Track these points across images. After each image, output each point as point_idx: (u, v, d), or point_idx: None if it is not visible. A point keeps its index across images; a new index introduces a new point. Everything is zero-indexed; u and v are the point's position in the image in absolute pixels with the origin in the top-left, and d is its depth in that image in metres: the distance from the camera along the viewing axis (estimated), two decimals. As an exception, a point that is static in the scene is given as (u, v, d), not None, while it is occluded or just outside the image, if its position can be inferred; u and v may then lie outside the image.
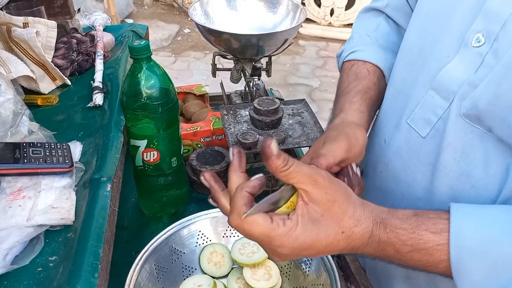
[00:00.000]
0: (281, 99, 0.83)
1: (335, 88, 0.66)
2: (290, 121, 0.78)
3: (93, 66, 0.81)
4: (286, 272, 0.65)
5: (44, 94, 0.68)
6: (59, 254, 0.41)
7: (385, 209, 0.43)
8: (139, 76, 0.61)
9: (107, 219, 0.43)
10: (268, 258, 0.63)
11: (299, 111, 0.81)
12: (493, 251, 0.38)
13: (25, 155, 0.49)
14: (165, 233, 0.65)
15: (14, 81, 0.61)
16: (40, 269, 0.40)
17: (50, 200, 0.45)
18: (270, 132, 0.74)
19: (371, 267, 0.66)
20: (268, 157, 0.37)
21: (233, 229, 0.68)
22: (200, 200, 0.82)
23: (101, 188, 0.47)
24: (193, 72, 3.19)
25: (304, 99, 0.83)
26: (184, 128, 0.87)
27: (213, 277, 0.64)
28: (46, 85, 0.71)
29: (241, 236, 0.69)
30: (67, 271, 0.38)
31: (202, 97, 1.02)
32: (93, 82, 0.72)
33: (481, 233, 0.39)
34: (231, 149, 0.42)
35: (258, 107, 0.74)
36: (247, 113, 0.79)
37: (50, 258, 0.41)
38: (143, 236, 0.63)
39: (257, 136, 0.72)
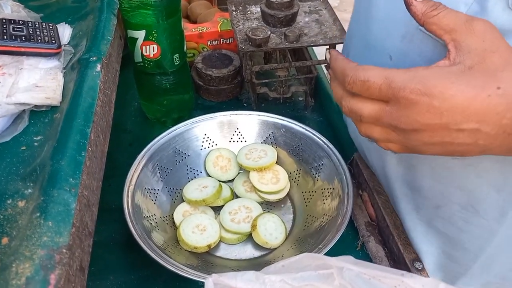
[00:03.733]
0: (296, -5, 0.74)
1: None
2: (306, 19, 0.70)
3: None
4: (295, 178, 0.61)
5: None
6: (45, 134, 0.37)
7: None
8: (133, -49, 0.53)
9: (97, 100, 0.39)
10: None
11: (316, 8, 0.73)
12: None
13: (5, 31, 0.44)
14: (167, 134, 0.61)
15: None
16: (24, 147, 0.36)
17: (34, 80, 0.40)
18: (283, 30, 0.67)
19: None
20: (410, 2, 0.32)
21: (238, 133, 0.64)
22: (206, 107, 0.77)
23: (90, 68, 0.41)
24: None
25: (322, -5, 0.74)
26: (189, 28, 0.79)
27: (219, 181, 0.61)
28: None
29: (248, 142, 0.65)
30: (51, 148, 0.34)
31: (209, -2, 0.92)
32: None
33: None
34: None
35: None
36: (258, 9, 0.71)
37: (35, 138, 0.37)
38: (147, 140, 0.59)
39: (268, 32, 0.65)
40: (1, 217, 0.30)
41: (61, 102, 0.40)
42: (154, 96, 0.69)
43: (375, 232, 0.55)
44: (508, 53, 0.30)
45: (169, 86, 0.67)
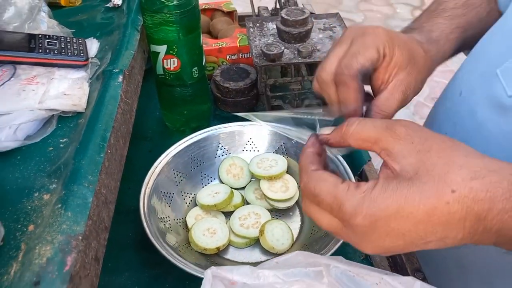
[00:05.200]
0: (312, 13, 0.77)
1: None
2: (320, 36, 0.73)
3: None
4: (305, 187, 0.63)
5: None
6: (69, 137, 0.41)
7: None
8: (158, -25, 0.57)
9: (118, 108, 0.43)
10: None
11: (331, 25, 0.76)
12: None
13: (40, 45, 0.49)
14: (184, 142, 0.65)
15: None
16: (51, 148, 0.40)
17: (63, 88, 0.45)
18: (297, 46, 0.70)
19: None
20: (325, 141, 0.32)
21: (251, 143, 0.67)
22: (223, 118, 0.81)
23: (112, 79, 0.46)
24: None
25: (337, 13, 0.77)
26: (209, 43, 0.84)
27: (231, 188, 0.64)
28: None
29: (260, 151, 0.68)
30: (74, 149, 0.38)
31: (230, 14, 0.97)
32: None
33: None
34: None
35: (286, 17, 0.69)
36: (274, 26, 0.75)
37: (61, 140, 0.41)
38: (166, 147, 0.63)
39: (282, 47, 0.68)
40: (29, 207, 0.34)
41: (85, 109, 0.44)
42: (174, 106, 0.73)
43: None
44: (443, 148, 0.28)
45: (188, 97, 0.71)
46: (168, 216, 0.58)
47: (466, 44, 0.46)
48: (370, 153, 0.42)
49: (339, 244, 0.49)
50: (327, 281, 0.31)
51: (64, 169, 0.36)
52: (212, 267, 0.33)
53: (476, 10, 0.46)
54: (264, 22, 0.76)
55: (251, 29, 0.75)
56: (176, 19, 0.60)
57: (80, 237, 0.30)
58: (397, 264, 0.54)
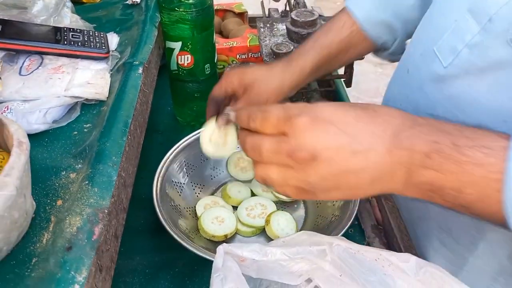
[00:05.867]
0: (321, 15, 0.80)
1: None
2: (328, 37, 0.76)
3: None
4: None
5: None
6: (93, 123, 0.44)
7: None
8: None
9: (138, 96, 0.46)
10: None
11: (338, 28, 0.78)
12: None
13: (65, 37, 0.52)
14: (195, 135, 0.67)
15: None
16: (76, 132, 0.43)
17: (87, 78, 0.48)
18: (305, 46, 0.73)
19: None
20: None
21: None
22: (232, 114, 0.84)
23: (133, 70, 0.49)
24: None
25: (345, 16, 0.80)
26: (221, 42, 0.87)
27: (238, 180, 0.67)
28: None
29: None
30: (98, 133, 0.41)
31: (241, 15, 1.00)
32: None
33: None
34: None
35: (296, 18, 0.72)
36: (284, 26, 0.78)
37: (84, 125, 0.44)
38: (177, 140, 0.66)
39: (291, 47, 0.71)
40: (57, 185, 0.37)
41: (107, 98, 0.47)
42: (185, 101, 0.76)
43: (380, 234, 0.59)
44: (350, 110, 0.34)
45: (200, 93, 0.74)
46: (179, 204, 0.61)
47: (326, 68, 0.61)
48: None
49: (342, 233, 0.52)
50: (330, 259, 0.33)
51: (89, 151, 0.39)
52: (224, 244, 0.36)
53: (327, 50, 0.58)
54: (274, 23, 0.79)
55: (262, 29, 0.78)
56: (191, 17, 0.63)
57: (106, 211, 0.33)
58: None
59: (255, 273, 0.35)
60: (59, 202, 0.35)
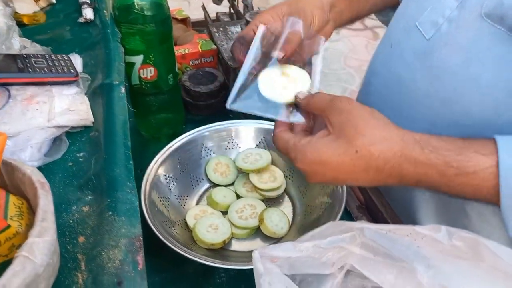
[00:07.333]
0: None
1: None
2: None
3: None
4: (289, 175, 0.69)
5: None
6: (86, 151, 0.42)
7: (419, 133, 0.41)
8: (131, -13, 0.59)
9: (128, 119, 0.44)
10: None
11: (288, 25, 0.81)
12: None
13: (28, 65, 0.48)
14: (169, 148, 0.66)
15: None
16: (71, 163, 0.41)
17: (66, 104, 0.45)
18: (262, 46, 0.75)
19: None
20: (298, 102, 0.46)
21: (232, 141, 0.71)
22: (196, 121, 0.83)
23: (114, 90, 0.47)
24: None
25: (292, 13, 0.83)
26: (173, 50, 0.85)
27: (220, 185, 0.67)
28: (29, 7, 0.67)
29: (242, 148, 0.72)
30: (100, 161, 0.39)
31: (183, 21, 0.99)
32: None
33: None
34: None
35: (250, 19, 0.73)
36: (238, 29, 0.79)
37: (78, 155, 0.42)
38: (145, 156, 0.64)
39: (251, 48, 0.72)
40: (71, 221, 0.35)
41: (93, 123, 0.45)
42: (149, 114, 0.74)
43: (365, 213, 0.64)
44: (360, 124, 0.40)
45: (164, 104, 0.73)
46: (169, 219, 0.60)
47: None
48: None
49: (338, 218, 0.55)
50: (360, 242, 0.36)
51: (96, 181, 0.38)
52: (259, 248, 0.37)
53: None
54: (227, 26, 0.80)
55: (216, 34, 0.78)
56: (152, 29, 0.62)
57: (141, 237, 0.32)
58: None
59: (288, 270, 0.37)
60: (81, 239, 0.34)
